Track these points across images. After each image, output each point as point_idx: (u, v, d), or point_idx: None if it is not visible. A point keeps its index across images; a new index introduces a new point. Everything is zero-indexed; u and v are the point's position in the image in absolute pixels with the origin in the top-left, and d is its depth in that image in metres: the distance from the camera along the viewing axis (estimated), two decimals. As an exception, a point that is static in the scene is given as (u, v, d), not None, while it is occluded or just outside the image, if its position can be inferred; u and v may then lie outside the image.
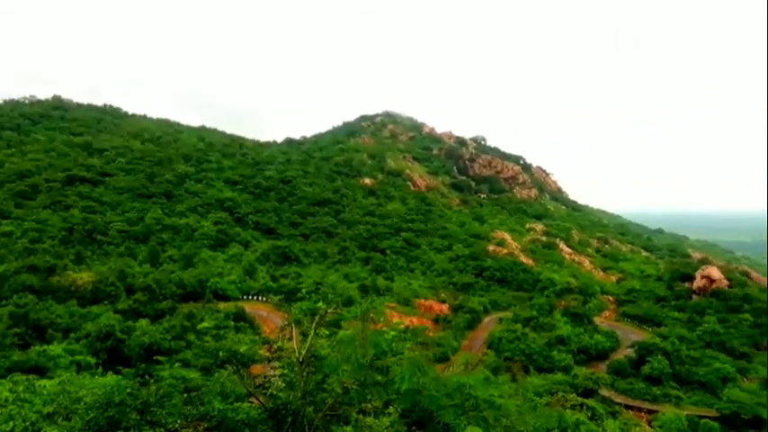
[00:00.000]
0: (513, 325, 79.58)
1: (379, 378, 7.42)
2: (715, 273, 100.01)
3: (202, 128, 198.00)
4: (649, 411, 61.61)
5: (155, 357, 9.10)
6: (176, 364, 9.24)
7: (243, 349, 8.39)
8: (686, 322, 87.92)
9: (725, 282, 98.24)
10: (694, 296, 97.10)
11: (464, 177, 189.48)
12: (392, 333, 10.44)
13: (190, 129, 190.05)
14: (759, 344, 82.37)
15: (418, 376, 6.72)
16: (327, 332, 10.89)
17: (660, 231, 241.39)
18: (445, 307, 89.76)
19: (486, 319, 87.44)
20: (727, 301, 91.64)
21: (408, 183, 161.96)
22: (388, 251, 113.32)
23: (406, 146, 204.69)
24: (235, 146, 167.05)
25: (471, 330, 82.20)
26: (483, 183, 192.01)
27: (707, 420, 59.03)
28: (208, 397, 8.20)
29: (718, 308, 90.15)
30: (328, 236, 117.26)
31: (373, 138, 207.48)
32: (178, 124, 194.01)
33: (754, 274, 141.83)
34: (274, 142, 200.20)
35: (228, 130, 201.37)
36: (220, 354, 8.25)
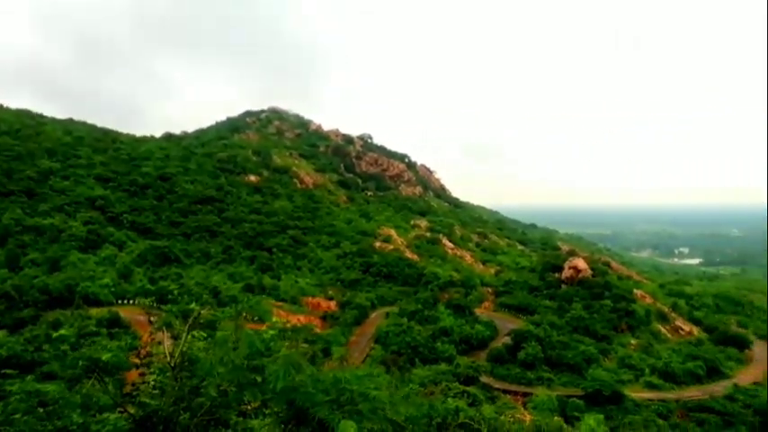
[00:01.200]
0: (399, 319, 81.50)
1: (255, 378, 7.27)
2: (581, 263, 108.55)
3: (69, 120, 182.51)
4: (524, 394, 65.82)
5: (2, 371, 8.25)
6: (29, 377, 8.45)
7: (105, 357, 7.84)
8: (556, 309, 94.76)
9: (589, 271, 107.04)
10: (563, 285, 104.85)
11: (351, 175, 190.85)
12: (271, 332, 10.29)
13: (55, 121, 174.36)
14: (617, 326, 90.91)
15: (293, 374, 6.66)
16: (205, 335, 10.50)
17: (534, 226, 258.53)
18: (333, 304, 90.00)
19: (374, 315, 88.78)
20: (591, 288, 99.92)
21: (295, 180, 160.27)
22: (274, 249, 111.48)
23: (293, 143, 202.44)
24: (107, 140, 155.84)
25: (359, 326, 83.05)
26: (369, 180, 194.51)
27: (574, 399, 64.20)
28: (66, 410, 7.57)
29: (584, 295, 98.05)
30: (211, 235, 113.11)
31: (258, 134, 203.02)
32: (41, 116, 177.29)
33: (614, 264, 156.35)
34: (152, 137, 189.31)
35: (100, 124, 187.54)
36: (79, 363, 7.65)
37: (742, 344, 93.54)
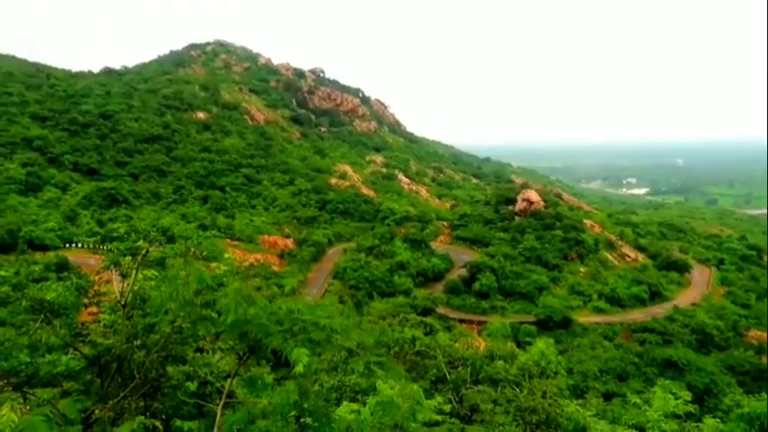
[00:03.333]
0: (356, 254, 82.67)
1: (206, 313, 7.31)
2: (533, 196, 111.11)
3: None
4: (480, 323, 68.70)
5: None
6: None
7: (50, 296, 7.70)
8: (510, 241, 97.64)
9: (541, 203, 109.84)
10: (516, 217, 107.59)
11: (303, 111, 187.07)
12: (224, 268, 10.29)
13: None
14: (568, 255, 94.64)
15: (245, 307, 6.72)
16: (155, 273, 10.40)
17: (488, 160, 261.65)
18: (290, 242, 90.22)
19: (331, 251, 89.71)
20: (543, 220, 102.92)
21: (246, 116, 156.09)
22: (227, 188, 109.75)
23: (242, 77, 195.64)
24: (40, 76, 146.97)
25: (317, 263, 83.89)
26: (323, 116, 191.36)
27: (526, 325, 67.46)
28: (14, 351, 7.48)
29: (536, 227, 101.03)
30: (161, 175, 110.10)
31: (205, 68, 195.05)
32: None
33: (565, 195, 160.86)
34: (89, 72, 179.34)
35: (31, 58, 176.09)
36: (23, 303, 7.51)
37: (683, 268, 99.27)
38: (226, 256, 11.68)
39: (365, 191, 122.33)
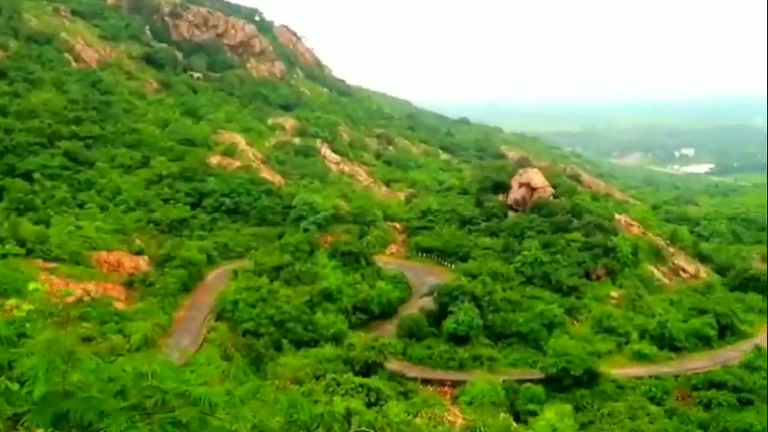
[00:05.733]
0: (254, 279, 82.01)
1: (-2, 382, 7.11)
2: (536, 178, 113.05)
3: None
4: (455, 384, 69.20)
5: None
6: None
7: None
8: (501, 251, 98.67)
9: (549, 190, 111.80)
10: (511, 213, 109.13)
11: (164, 45, 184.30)
12: (26, 308, 10.01)
13: None
14: (592, 272, 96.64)
15: (63, 371, 6.57)
16: None
17: (465, 123, 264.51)
18: (143, 261, 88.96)
19: (213, 275, 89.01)
20: (553, 216, 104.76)
21: (67, 55, 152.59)
22: (36, 175, 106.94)
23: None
24: None
25: (189, 294, 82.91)
26: (196, 53, 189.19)
27: (529, 385, 68.47)
28: None
29: (542, 227, 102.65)
30: None
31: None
32: None
33: (586, 177, 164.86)
34: None
35: None
36: None
37: (767, 287, 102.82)
38: (32, 287, 11.39)
39: (267, 174, 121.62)
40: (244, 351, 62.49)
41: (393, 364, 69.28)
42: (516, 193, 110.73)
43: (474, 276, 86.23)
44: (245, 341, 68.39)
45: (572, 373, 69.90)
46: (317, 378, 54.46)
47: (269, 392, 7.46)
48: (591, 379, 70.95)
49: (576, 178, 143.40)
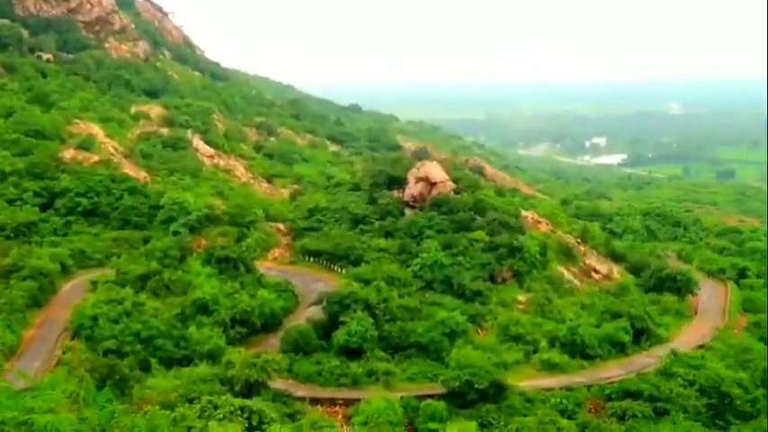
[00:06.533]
0: (116, 291, 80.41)
1: None
2: (436, 172, 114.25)
3: None
4: (347, 402, 69.59)
5: None
6: None
7: None
8: (397, 254, 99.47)
9: (450, 184, 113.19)
10: (408, 210, 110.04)
11: (7, 21, 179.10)
12: None
13: None
14: (497, 275, 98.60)
15: None
16: None
17: (356, 109, 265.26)
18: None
19: (68, 286, 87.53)
20: (454, 213, 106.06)
21: None
22: None
23: None
24: None
25: (41, 309, 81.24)
26: (45, 31, 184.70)
27: (430, 401, 69.39)
28: None
29: (442, 226, 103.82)
30: None
31: None
32: None
33: (490, 170, 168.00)
34: None
35: None
36: None
37: (684, 288, 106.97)
38: None
39: (130, 171, 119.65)
40: (105, 373, 61.58)
41: (278, 383, 69.00)
42: (413, 189, 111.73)
43: (367, 282, 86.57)
44: (107, 362, 66.84)
45: (476, 386, 70.80)
46: (191, 401, 53.80)
47: (126, 418, 7.77)
48: (497, 392, 72.02)
49: (480, 171, 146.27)
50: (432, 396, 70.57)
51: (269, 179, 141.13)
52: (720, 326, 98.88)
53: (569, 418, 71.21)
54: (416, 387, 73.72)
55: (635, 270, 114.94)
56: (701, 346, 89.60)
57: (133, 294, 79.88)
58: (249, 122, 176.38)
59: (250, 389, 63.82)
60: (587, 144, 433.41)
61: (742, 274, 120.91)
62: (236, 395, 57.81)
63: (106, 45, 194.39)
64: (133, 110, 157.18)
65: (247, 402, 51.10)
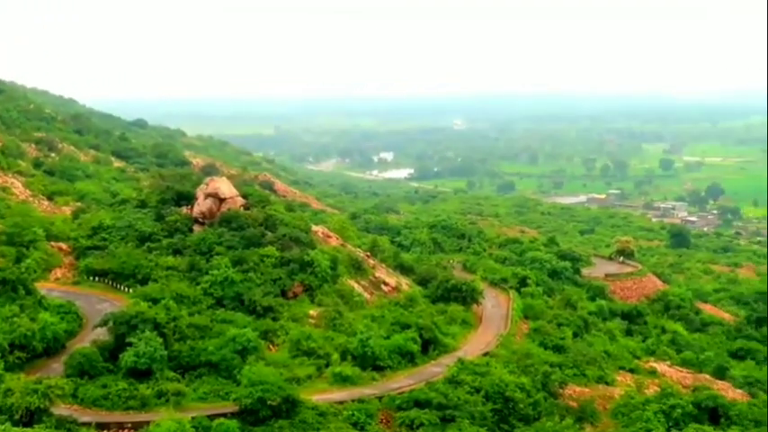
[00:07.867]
0: None
1: None
2: (225, 188, 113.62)
3: None
4: (136, 426, 67.92)
5: None
6: None
7: None
8: (187, 271, 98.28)
9: (239, 200, 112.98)
10: (197, 227, 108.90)
11: None
12: None
13: None
14: (288, 290, 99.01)
15: None
16: None
17: (142, 124, 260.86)
18: None
19: None
20: (244, 229, 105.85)
21: None
22: None
23: None
24: None
25: None
26: None
27: (222, 420, 68.73)
28: None
29: (232, 242, 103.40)
30: None
31: None
32: None
33: (280, 185, 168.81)
34: None
35: None
36: None
37: (469, 298, 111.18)
38: None
39: None
40: None
41: (61, 409, 66.69)
42: (202, 205, 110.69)
43: (156, 301, 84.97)
44: None
45: (269, 403, 70.82)
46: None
47: None
48: (290, 408, 72.19)
49: (270, 187, 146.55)
50: (224, 415, 69.96)
51: (50, 197, 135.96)
52: (503, 333, 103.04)
53: (362, 430, 72.38)
54: (208, 406, 72.87)
55: (423, 281, 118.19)
56: (486, 354, 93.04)
57: None
58: (28, 138, 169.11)
59: (31, 417, 61.23)
60: (375, 159, 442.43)
61: (523, 282, 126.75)
62: (15, 424, 55.48)
63: None
64: None
65: (28, 431, 49.11)
